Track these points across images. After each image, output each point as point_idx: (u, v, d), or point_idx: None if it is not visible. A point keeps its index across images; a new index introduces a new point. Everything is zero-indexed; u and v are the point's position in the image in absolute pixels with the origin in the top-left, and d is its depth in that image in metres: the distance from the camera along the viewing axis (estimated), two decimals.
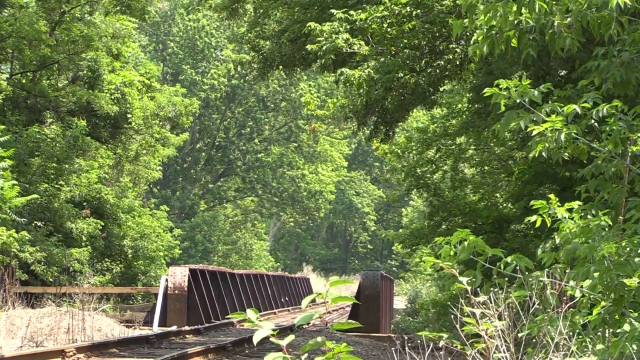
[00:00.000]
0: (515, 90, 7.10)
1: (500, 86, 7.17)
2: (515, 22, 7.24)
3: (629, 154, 6.97)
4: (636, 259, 6.11)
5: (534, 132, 7.01)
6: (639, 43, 7.31)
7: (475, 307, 5.85)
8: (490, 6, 7.28)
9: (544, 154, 7.04)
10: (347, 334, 19.96)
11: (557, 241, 6.76)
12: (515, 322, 6.10)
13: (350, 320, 4.01)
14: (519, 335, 6.05)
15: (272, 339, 3.96)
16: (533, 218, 6.98)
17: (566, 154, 7.10)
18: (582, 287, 6.22)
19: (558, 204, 6.86)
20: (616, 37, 7.19)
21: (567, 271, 6.54)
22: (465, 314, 5.82)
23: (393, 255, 74.48)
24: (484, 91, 7.33)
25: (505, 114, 7.27)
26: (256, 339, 3.89)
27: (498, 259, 6.42)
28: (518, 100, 7.09)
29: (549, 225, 6.88)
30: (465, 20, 7.65)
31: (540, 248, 7.00)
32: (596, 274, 6.09)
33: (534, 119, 7.08)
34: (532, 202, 7.00)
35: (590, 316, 6.19)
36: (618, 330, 6.02)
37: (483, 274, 6.32)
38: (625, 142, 6.94)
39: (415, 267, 44.29)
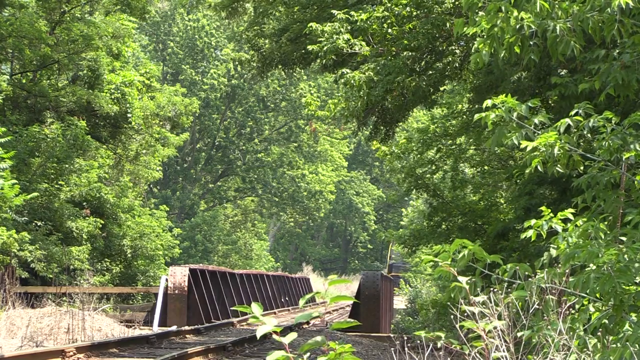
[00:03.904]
0: (503, 107, 7.10)
1: (487, 106, 7.17)
2: (517, 26, 7.24)
3: (623, 162, 6.96)
4: (636, 265, 6.11)
5: (528, 148, 7.02)
6: (638, 45, 7.32)
7: (475, 306, 5.85)
8: (492, 5, 7.27)
9: (539, 167, 7.06)
10: (347, 333, 19.97)
11: (554, 254, 6.75)
12: (515, 322, 6.10)
13: (349, 319, 4.02)
14: (518, 335, 6.05)
15: (275, 336, 3.97)
16: (529, 233, 6.97)
17: (559, 166, 7.10)
18: (581, 292, 6.21)
19: (551, 214, 6.85)
20: (618, 39, 7.20)
21: (567, 271, 6.55)
22: (465, 313, 5.83)
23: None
24: (475, 116, 7.34)
25: (496, 130, 7.26)
26: (259, 333, 3.92)
27: (497, 264, 6.42)
28: (507, 118, 7.10)
29: (544, 236, 6.89)
30: (466, 28, 7.65)
31: (536, 262, 6.99)
32: (596, 282, 6.08)
33: (525, 132, 7.09)
34: (525, 223, 6.98)
35: (590, 322, 6.19)
36: (619, 332, 6.02)
37: (482, 280, 6.33)
38: (620, 151, 6.93)
39: (416, 267, 44.29)
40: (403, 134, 24.56)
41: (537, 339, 6.10)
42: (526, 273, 6.50)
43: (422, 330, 5.78)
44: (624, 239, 6.57)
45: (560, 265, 6.63)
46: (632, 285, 6.09)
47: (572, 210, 6.88)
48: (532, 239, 6.96)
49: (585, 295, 6.20)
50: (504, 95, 7.22)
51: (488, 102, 7.17)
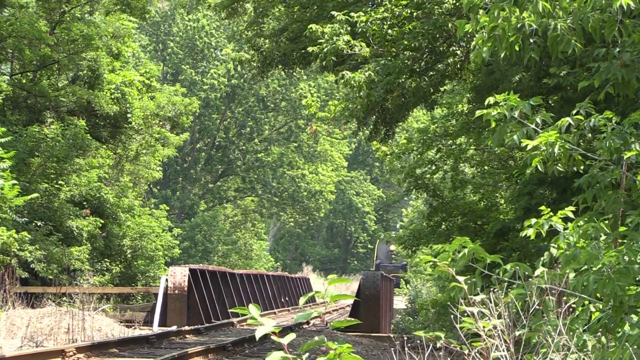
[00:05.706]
0: (505, 105, 7.09)
1: (489, 103, 7.17)
2: (519, 25, 7.24)
3: (624, 161, 6.95)
4: (635, 267, 6.10)
5: (529, 147, 7.01)
6: (639, 44, 7.31)
7: (475, 306, 5.85)
8: (494, 7, 7.27)
9: (539, 167, 7.05)
10: (347, 334, 19.97)
11: (555, 253, 6.74)
12: (515, 321, 6.09)
13: (349, 318, 4.03)
14: (517, 333, 6.05)
15: (273, 337, 3.98)
16: (529, 232, 6.94)
17: (560, 165, 7.09)
18: (581, 292, 6.20)
19: (551, 213, 6.84)
20: (619, 39, 7.19)
21: (567, 271, 6.54)
22: (465, 314, 5.82)
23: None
24: (476, 113, 7.33)
25: (498, 128, 7.25)
26: (258, 334, 3.92)
27: (497, 264, 6.41)
28: (508, 116, 7.09)
29: (544, 235, 6.87)
30: (468, 26, 7.64)
31: (537, 262, 6.98)
32: (596, 284, 6.07)
33: (527, 131, 7.08)
34: (525, 223, 6.96)
35: (590, 323, 6.18)
36: (618, 332, 6.01)
37: (481, 280, 6.32)
38: (620, 150, 6.92)
39: (416, 268, 44.31)
40: (403, 134, 24.56)
41: (536, 338, 6.09)
42: (526, 273, 6.49)
43: (422, 330, 5.77)
44: (624, 242, 6.56)
45: (560, 265, 6.62)
46: (633, 285, 6.09)
47: (573, 209, 6.86)
48: (532, 238, 6.94)
49: (586, 297, 6.19)
50: (506, 93, 7.22)
51: (490, 100, 7.17)
